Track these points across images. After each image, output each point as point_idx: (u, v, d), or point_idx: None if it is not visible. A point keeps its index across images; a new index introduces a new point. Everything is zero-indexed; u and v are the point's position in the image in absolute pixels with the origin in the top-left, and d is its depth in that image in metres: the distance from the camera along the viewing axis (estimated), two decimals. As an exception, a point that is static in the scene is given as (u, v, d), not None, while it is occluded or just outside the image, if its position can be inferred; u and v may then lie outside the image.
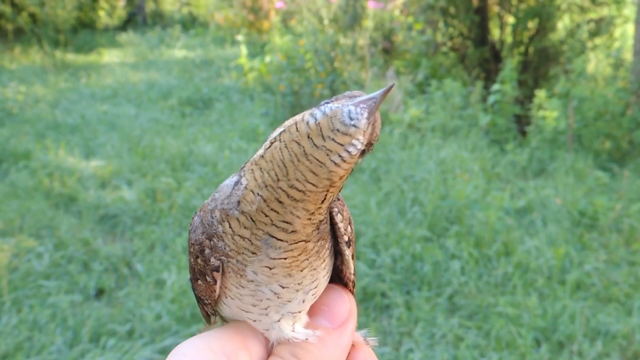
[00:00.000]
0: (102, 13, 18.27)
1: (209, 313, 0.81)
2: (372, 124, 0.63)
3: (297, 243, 0.68)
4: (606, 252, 4.47)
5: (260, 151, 0.66)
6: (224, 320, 0.81)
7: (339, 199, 0.77)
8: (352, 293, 0.81)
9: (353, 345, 0.79)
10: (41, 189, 5.58)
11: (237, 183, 0.68)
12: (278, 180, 0.63)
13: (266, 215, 0.65)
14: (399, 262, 4.27)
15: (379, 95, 0.62)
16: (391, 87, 0.62)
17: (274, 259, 0.69)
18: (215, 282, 0.73)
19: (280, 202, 0.64)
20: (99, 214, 5.18)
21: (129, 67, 12.45)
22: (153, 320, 3.65)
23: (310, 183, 0.63)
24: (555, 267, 4.18)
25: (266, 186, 0.64)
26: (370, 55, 9.30)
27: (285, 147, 0.62)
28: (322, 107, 0.62)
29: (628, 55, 8.03)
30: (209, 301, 0.77)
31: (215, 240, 0.70)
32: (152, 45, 14.99)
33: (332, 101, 0.65)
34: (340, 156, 0.61)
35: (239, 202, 0.67)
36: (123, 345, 3.44)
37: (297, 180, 0.63)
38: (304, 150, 0.61)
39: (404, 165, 5.92)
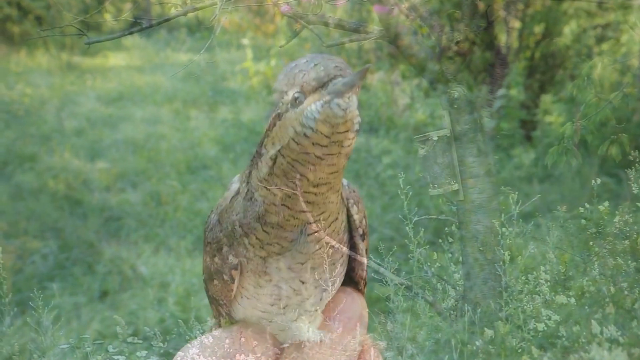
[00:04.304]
0: (108, 16, 18.33)
1: (222, 315, 0.81)
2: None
3: (328, 222, 0.69)
4: (612, 258, 4.44)
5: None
6: (232, 323, 0.80)
7: (354, 191, 0.76)
8: (363, 293, 0.82)
9: (362, 349, 0.79)
10: (46, 191, 5.59)
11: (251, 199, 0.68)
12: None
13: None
14: (404, 267, 4.25)
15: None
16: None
17: (302, 252, 0.69)
18: (233, 280, 0.72)
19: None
20: (104, 216, 5.18)
21: (134, 70, 12.47)
22: (157, 323, 3.64)
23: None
24: (560, 273, 4.15)
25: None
26: (376, 59, 9.30)
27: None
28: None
29: (635, 62, 7.99)
30: (225, 301, 0.76)
31: (236, 245, 0.69)
32: (158, 48, 15.01)
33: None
34: None
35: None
36: (127, 347, 3.43)
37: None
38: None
39: (409, 169, 5.91)
